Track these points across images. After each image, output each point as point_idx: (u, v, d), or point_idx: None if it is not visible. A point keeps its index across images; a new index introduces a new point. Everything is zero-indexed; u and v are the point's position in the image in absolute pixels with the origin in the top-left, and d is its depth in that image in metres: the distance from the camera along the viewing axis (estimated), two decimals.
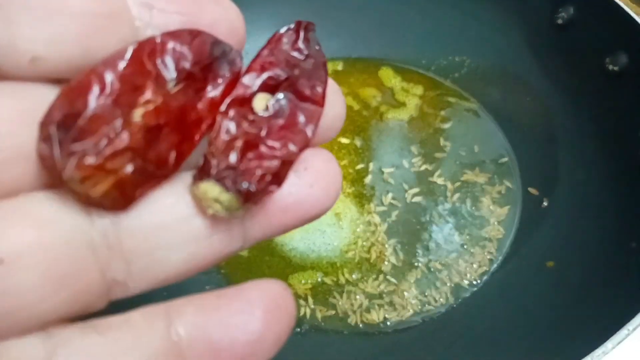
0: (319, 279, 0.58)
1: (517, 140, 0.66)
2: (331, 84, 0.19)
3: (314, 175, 0.18)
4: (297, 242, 0.61)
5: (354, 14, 0.74)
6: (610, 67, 0.57)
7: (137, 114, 0.15)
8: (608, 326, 0.39)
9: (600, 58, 0.58)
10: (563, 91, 0.63)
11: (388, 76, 0.74)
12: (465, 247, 0.60)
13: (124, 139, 0.15)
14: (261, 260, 0.60)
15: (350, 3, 0.74)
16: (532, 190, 0.62)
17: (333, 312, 0.56)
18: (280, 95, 0.18)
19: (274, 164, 0.17)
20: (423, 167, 0.65)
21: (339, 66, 0.75)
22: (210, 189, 0.16)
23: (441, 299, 0.56)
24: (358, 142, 0.68)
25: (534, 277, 0.55)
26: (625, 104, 0.56)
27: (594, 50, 0.58)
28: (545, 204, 0.60)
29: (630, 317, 0.39)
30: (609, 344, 0.38)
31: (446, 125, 0.69)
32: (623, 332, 0.39)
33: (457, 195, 0.63)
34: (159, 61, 0.15)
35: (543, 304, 0.51)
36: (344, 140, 0.68)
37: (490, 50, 0.70)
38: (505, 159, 0.66)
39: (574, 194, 0.59)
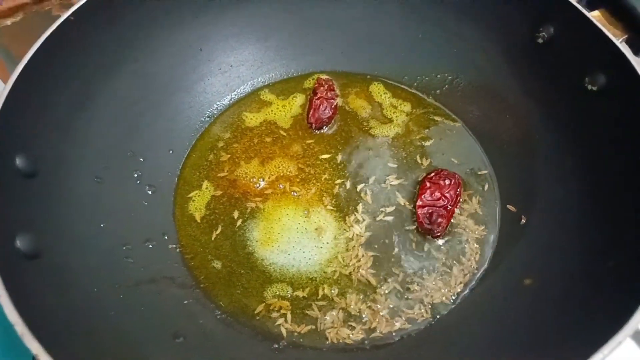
0: (298, 294, 0.58)
1: (497, 158, 0.67)
2: None
3: None
4: (277, 256, 0.60)
5: (338, 30, 0.75)
6: (589, 86, 0.57)
7: None
8: (583, 350, 0.39)
9: (580, 77, 0.58)
10: (542, 109, 0.64)
11: (379, 91, 0.75)
12: (442, 264, 0.60)
13: None
14: (240, 274, 0.59)
15: (335, 19, 0.74)
16: (510, 207, 0.63)
17: (312, 327, 0.56)
18: None
19: None
20: (403, 184, 0.65)
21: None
22: None
23: (419, 317, 0.56)
24: (339, 157, 0.68)
25: (511, 294, 0.55)
26: (603, 122, 0.57)
27: (573, 70, 0.59)
28: (523, 221, 0.61)
29: (605, 340, 0.39)
30: None
31: (427, 143, 0.69)
32: (598, 356, 0.39)
33: None
34: None
35: (520, 321, 0.51)
36: (324, 156, 0.68)
37: (471, 67, 0.70)
38: (484, 177, 0.66)
39: (552, 211, 0.59)
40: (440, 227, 0.61)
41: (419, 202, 0.62)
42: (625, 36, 0.59)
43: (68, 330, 0.44)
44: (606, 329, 0.40)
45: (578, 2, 0.58)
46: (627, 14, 0.58)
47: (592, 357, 0.38)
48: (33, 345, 0.38)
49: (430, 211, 0.62)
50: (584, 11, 0.58)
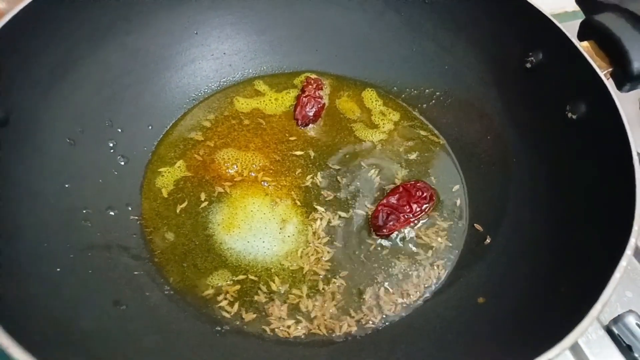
0: (249, 282, 0.57)
1: (472, 177, 0.67)
2: None
3: None
4: (236, 242, 0.60)
5: (335, 33, 0.76)
6: (569, 114, 0.57)
7: None
8: None
9: (561, 104, 0.58)
10: (522, 133, 0.63)
11: (371, 98, 0.75)
12: (401, 273, 0.59)
13: None
14: (195, 254, 0.59)
15: (333, 23, 0.75)
16: (477, 226, 0.62)
17: (257, 316, 0.55)
18: None
19: None
20: (376, 187, 0.65)
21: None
22: None
23: (367, 321, 0.55)
24: (317, 155, 0.68)
25: (463, 310, 0.54)
26: (578, 152, 0.56)
27: (556, 97, 0.59)
28: (488, 241, 0.60)
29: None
30: None
31: (407, 155, 0.69)
32: None
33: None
34: None
35: (462, 337, 0.50)
36: (300, 152, 0.68)
37: (460, 85, 0.70)
38: (457, 194, 0.66)
39: (516, 234, 0.58)
40: (387, 230, 0.60)
41: (383, 201, 0.62)
42: (611, 69, 0.58)
43: (10, 274, 0.44)
44: (539, 348, 0.39)
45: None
46: (613, 47, 0.58)
47: None
48: None
49: (388, 212, 0.61)
50: (574, 40, 0.58)
